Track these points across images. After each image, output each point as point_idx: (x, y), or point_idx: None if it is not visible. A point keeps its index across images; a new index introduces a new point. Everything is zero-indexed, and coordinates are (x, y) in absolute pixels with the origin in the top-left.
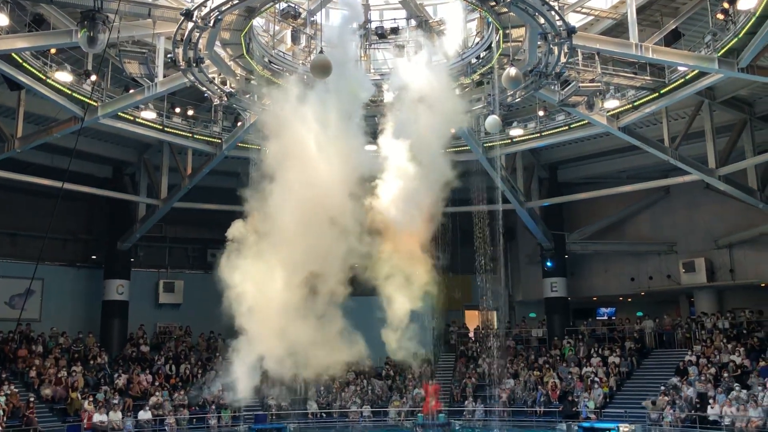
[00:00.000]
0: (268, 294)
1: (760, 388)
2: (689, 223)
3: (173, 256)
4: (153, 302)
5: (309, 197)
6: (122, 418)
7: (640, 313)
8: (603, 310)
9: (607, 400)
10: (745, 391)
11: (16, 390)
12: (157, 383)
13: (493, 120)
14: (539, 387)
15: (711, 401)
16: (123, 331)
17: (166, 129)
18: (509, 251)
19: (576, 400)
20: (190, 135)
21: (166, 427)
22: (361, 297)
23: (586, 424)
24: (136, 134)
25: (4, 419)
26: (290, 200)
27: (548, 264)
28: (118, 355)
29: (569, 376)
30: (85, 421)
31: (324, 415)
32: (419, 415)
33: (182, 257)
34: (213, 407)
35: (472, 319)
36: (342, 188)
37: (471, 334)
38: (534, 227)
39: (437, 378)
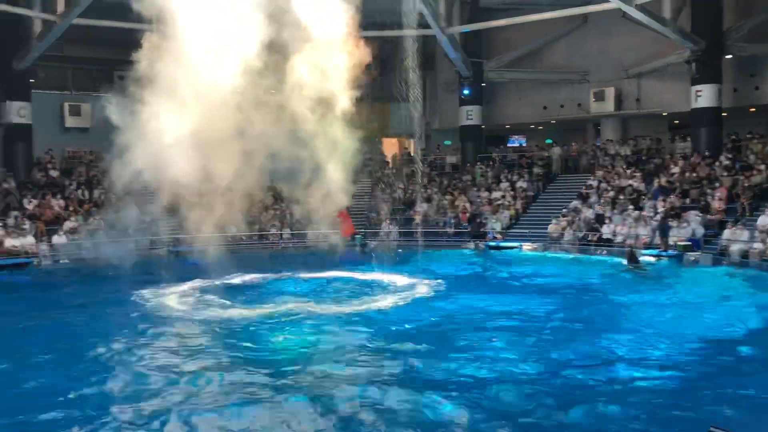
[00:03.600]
0: (182, 120)
1: (651, 209)
2: (602, 52)
3: (77, 77)
4: (59, 126)
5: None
6: (36, 242)
7: (549, 141)
8: (515, 138)
9: (513, 221)
10: (637, 212)
11: None
12: (70, 208)
13: None
14: (450, 210)
15: (607, 221)
16: (28, 156)
17: None
18: (427, 79)
19: (484, 222)
20: None
21: (83, 252)
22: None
23: (492, 243)
24: None
25: None
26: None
27: (465, 92)
28: (25, 180)
29: (479, 200)
30: None
31: (244, 238)
32: (337, 237)
33: (87, 79)
34: (131, 231)
35: (390, 147)
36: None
37: (388, 161)
38: (453, 54)
39: (355, 204)
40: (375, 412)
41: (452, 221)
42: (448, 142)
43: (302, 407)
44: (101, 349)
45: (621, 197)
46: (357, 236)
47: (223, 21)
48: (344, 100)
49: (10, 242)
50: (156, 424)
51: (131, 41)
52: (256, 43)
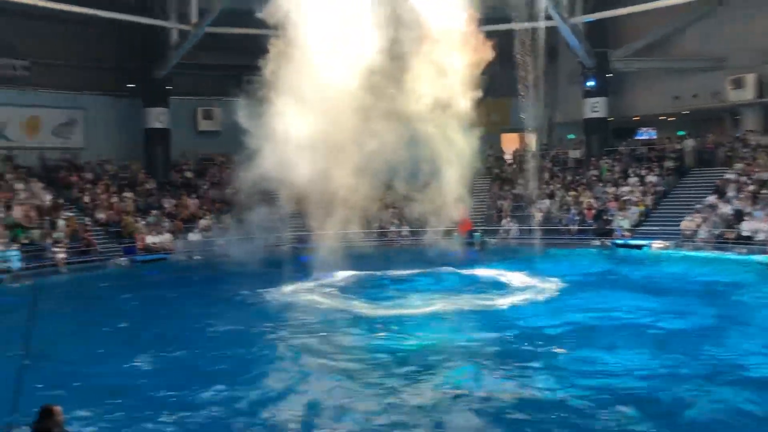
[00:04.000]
0: (305, 122)
1: None
2: (741, 36)
3: (209, 83)
4: (193, 130)
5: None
6: (173, 239)
7: (681, 133)
8: (643, 130)
9: (642, 218)
10: None
11: (73, 214)
12: (204, 207)
13: None
14: (574, 207)
15: (746, 217)
16: (166, 159)
17: None
18: (549, 71)
19: (610, 219)
20: None
21: (215, 248)
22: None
23: (619, 241)
24: None
25: (66, 241)
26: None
27: (589, 83)
28: (164, 181)
29: (605, 196)
30: (138, 242)
31: (364, 235)
32: (455, 235)
33: (218, 84)
34: (258, 229)
35: (510, 143)
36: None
37: (508, 157)
38: (576, 45)
39: (474, 201)
40: (517, 409)
41: (576, 218)
42: (571, 136)
43: (440, 404)
44: (238, 342)
45: (763, 191)
46: (475, 234)
47: (344, 24)
48: (463, 97)
49: (150, 239)
50: (299, 415)
51: (259, 47)
52: (376, 45)
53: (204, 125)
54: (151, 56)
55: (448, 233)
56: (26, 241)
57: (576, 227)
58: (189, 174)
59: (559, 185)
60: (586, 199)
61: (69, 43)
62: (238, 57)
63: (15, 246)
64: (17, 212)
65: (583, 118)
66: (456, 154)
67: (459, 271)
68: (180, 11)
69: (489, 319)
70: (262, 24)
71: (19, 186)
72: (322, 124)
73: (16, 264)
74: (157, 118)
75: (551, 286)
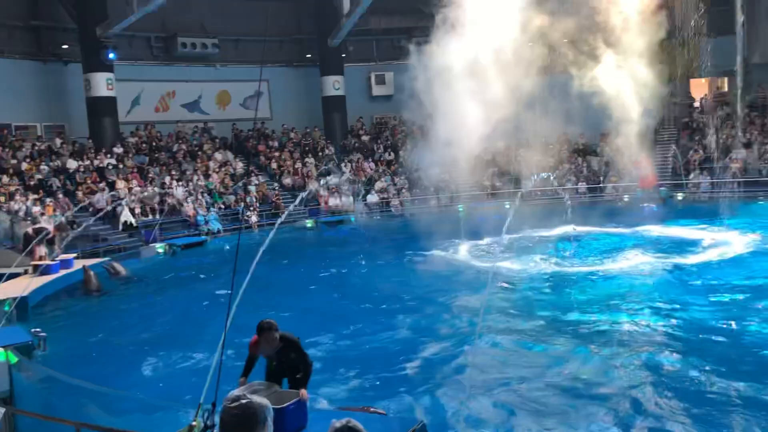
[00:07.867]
0: (470, 81)
1: None
2: None
3: (381, 48)
4: (366, 95)
5: None
6: (353, 201)
7: None
8: None
9: None
10: None
11: (263, 180)
12: (380, 170)
13: None
14: None
15: None
16: (344, 124)
17: None
18: (745, 6)
19: None
20: None
21: (392, 209)
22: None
23: None
24: None
25: (257, 204)
26: None
27: None
28: (341, 145)
29: None
30: (322, 204)
31: (539, 193)
32: (638, 190)
33: (389, 48)
34: (432, 189)
35: (698, 89)
36: None
37: (696, 104)
38: None
39: (658, 152)
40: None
41: None
42: None
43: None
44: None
45: None
46: (661, 189)
47: None
48: (644, 40)
49: (332, 201)
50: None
51: (427, 6)
52: None
53: (377, 90)
54: (325, 26)
55: (629, 188)
56: (223, 206)
57: None
58: (364, 138)
59: (756, 132)
60: None
61: (252, 19)
62: (407, 19)
63: (214, 210)
64: (214, 179)
65: None
66: (639, 102)
67: (641, 228)
68: None
69: (676, 278)
70: None
71: (215, 155)
72: (487, 80)
73: (215, 225)
74: (333, 85)
75: (748, 242)
